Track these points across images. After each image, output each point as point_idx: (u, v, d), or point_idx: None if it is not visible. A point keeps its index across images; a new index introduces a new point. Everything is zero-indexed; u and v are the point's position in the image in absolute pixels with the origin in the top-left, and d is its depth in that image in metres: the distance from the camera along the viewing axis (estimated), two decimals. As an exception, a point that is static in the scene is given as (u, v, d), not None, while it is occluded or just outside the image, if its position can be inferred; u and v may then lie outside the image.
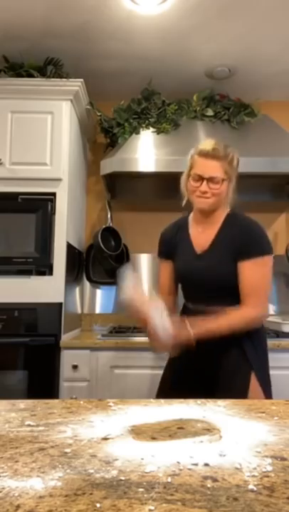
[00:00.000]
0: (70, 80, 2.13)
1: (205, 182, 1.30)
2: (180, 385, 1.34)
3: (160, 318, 1.15)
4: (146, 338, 1.24)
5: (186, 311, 1.45)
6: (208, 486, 0.46)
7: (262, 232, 1.35)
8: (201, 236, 1.40)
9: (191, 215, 1.47)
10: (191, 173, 1.34)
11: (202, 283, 1.30)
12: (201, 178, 1.30)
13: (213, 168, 1.29)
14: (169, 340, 1.17)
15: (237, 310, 1.28)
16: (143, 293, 1.25)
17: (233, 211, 1.40)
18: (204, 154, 1.31)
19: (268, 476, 0.48)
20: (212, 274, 1.33)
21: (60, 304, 1.96)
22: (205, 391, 1.16)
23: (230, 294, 1.31)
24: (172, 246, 1.46)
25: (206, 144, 1.33)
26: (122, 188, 2.52)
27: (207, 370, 1.31)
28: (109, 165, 2.22)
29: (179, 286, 1.51)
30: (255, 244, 1.31)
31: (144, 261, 2.60)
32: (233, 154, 1.34)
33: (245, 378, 1.27)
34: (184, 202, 1.40)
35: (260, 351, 1.35)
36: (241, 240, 1.32)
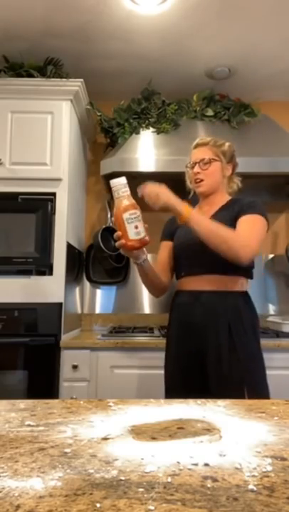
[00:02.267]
0: (70, 80, 2.13)
1: (197, 165, 1.48)
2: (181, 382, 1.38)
3: (134, 219, 1.17)
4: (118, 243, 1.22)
5: (177, 297, 1.50)
6: (208, 486, 0.46)
7: (260, 202, 1.44)
8: (204, 214, 1.48)
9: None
10: (188, 165, 1.51)
11: (199, 248, 1.34)
12: (194, 164, 1.49)
13: (202, 152, 1.48)
14: (137, 242, 1.18)
15: None
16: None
17: (237, 197, 1.53)
18: (195, 145, 1.52)
19: (268, 476, 0.48)
20: None
21: (60, 304, 1.96)
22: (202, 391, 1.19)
23: (225, 263, 1.34)
24: (175, 225, 1.55)
25: (198, 138, 1.55)
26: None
27: (201, 375, 1.34)
28: (109, 165, 2.22)
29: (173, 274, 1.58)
30: (251, 207, 1.42)
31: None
32: (225, 142, 1.52)
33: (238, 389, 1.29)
34: (191, 195, 1.55)
35: (254, 358, 1.36)
36: (240, 205, 1.44)
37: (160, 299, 2.57)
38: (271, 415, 0.73)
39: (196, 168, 1.47)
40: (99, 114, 2.38)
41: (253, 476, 0.48)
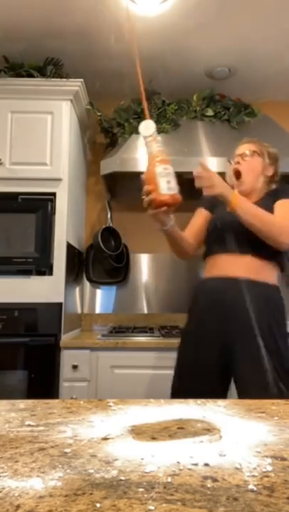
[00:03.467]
0: (70, 80, 2.13)
1: (240, 157, 1.51)
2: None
3: (167, 174, 1.08)
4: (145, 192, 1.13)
5: (205, 284, 1.47)
6: (208, 486, 0.46)
7: None
8: None
9: None
10: (231, 161, 1.53)
11: (239, 226, 1.35)
12: (237, 156, 1.52)
13: (246, 147, 1.53)
14: (169, 198, 1.10)
15: None
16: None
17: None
18: (241, 143, 1.57)
19: (267, 476, 0.48)
20: None
21: (60, 303, 1.96)
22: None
23: (262, 245, 1.36)
24: (216, 204, 1.54)
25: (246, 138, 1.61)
26: (122, 188, 2.52)
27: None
28: (109, 165, 2.22)
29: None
30: (284, 191, 1.47)
31: (144, 261, 2.60)
32: (269, 147, 1.56)
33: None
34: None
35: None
36: (276, 192, 1.49)
37: (160, 300, 2.57)
38: (271, 415, 0.73)
39: (238, 158, 1.50)
40: (99, 114, 2.38)
41: (253, 476, 0.48)
